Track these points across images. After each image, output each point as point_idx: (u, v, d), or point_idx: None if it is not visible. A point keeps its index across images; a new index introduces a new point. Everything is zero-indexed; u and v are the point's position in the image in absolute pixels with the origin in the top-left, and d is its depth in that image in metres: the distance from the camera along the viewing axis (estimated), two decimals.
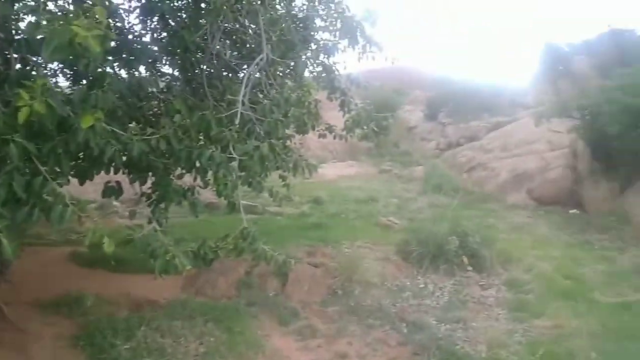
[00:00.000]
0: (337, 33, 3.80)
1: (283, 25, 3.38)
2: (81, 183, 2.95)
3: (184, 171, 3.23)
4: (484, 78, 17.76)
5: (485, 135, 14.64)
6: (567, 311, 4.46)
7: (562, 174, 10.04)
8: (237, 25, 3.73)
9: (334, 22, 3.74)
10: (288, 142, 4.49)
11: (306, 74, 4.35)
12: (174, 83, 4.01)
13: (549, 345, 3.91)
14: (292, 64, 3.74)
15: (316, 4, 3.87)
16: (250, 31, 3.75)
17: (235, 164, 2.59)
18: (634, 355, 3.87)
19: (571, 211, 9.29)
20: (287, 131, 4.17)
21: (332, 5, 3.72)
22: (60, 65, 3.48)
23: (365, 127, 4.49)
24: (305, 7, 3.88)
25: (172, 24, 3.58)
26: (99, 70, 2.49)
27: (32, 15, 2.23)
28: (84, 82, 2.76)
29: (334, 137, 4.66)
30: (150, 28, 3.84)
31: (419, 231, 5.85)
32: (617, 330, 4.28)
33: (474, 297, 4.92)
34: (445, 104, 17.92)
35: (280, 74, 3.59)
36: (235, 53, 4.27)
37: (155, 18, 3.65)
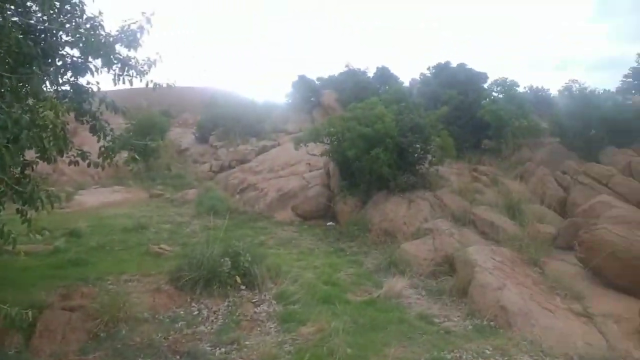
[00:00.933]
0: (87, 51, 3.40)
1: (10, 35, 2.82)
2: None
3: None
4: (249, 104, 18.93)
5: (254, 158, 15.55)
6: (327, 314, 5.02)
7: (319, 191, 11.40)
8: None
9: (81, 38, 3.33)
10: (28, 170, 3.81)
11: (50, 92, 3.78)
12: None
13: (313, 349, 4.31)
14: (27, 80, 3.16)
15: (59, 16, 3.38)
16: None
17: None
18: (378, 343, 4.58)
19: (328, 224, 10.58)
20: (27, 157, 3.54)
21: (79, 20, 3.33)
22: None
23: (126, 153, 4.15)
24: (45, 18, 3.35)
25: None
26: None
27: None
28: None
29: (89, 165, 4.15)
30: None
31: (191, 256, 5.71)
32: (365, 324, 5.02)
33: (247, 315, 5.06)
34: (215, 127, 18.33)
35: (9, 91, 2.99)
36: None
37: None
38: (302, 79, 19.65)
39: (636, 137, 10.18)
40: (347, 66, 18.94)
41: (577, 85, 12.43)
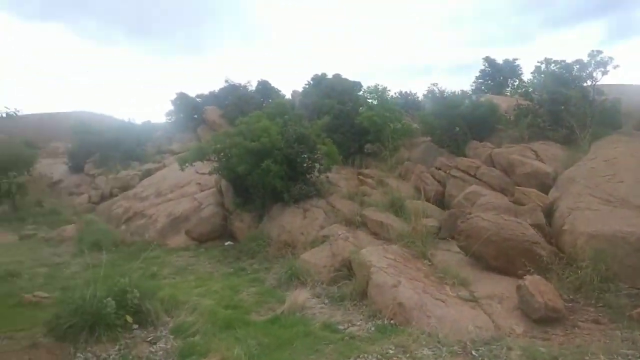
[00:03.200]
0: None
1: None
2: None
3: None
4: (126, 126, 17.75)
5: (139, 183, 14.61)
6: (230, 340, 4.82)
7: (213, 211, 11.07)
8: None
9: None
10: None
11: None
12: None
13: None
14: None
15: None
16: None
17: None
18: None
19: (226, 243, 10.33)
20: None
21: None
22: None
23: None
24: None
25: None
26: None
27: None
28: None
29: None
30: None
31: (71, 301, 5.11)
32: (271, 344, 4.91)
33: (141, 357, 4.66)
34: (89, 154, 16.90)
35: None
36: None
37: None
38: (181, 96, 18.91)
39: (492, 131, 11.51)
40: (227, 81, 18.72)
41: (437, 88, 13.76)
